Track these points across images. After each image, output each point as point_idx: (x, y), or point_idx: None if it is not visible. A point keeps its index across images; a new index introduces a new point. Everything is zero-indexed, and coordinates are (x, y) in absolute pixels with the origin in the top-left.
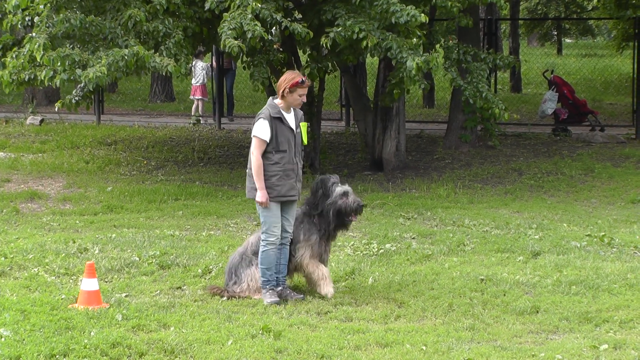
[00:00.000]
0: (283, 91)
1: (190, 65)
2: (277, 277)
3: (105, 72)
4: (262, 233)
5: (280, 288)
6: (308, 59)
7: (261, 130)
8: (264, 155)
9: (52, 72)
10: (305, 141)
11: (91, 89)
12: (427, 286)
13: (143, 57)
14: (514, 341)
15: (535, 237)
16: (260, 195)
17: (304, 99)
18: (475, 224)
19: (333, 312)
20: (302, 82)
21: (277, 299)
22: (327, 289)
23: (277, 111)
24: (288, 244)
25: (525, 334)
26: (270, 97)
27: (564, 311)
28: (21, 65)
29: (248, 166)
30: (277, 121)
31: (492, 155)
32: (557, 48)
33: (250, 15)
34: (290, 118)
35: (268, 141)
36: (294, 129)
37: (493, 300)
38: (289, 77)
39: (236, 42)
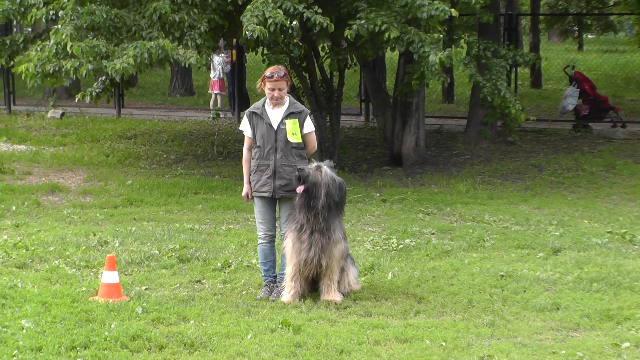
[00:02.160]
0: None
1: (210, 58)
2: (274, 275)
3: (132, 63)
4: None
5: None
6: (327, 52)
7: (243, 125)
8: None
9: (77, 63)
10: (295, 139)
11: (118, 80)
12: (446, 282)
13: (167, 50)
14: (534, 338)
15: (556, 233)
16: (243, 189)
17: (277, 94)
18: (495, 220)
19: (352, 307)
20: (270, 75)
21: (266, 295)
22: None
23: (260, 106)
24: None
25: (545, 330)
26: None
27: (585, 308)
28: (46, 57)
29: None
30: (255, 116)
31: (512, 151)
32: (578, 44)
33: (272, 4)
34: (273, 114)
35: (251, 136)
36: (273, 125)
37: (513, 297)
38: (265, 71)
39: (258, 27)
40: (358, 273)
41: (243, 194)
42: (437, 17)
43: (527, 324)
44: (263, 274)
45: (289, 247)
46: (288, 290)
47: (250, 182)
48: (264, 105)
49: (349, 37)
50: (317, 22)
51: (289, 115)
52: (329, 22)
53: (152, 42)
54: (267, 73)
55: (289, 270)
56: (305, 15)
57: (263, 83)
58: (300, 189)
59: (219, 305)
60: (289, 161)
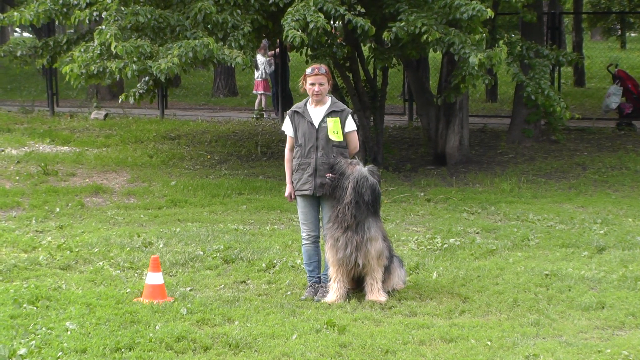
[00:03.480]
0: (302, 84)
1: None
2: (319, 275)
3: (177, 62)
4: None
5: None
6: (371, 53)
7: (285, 125)
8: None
9: (122, 64)
10: (336, 137)
11: (162, 80)
12: (491, 281)
13: (212, 49)
14: (579, 337)
15: (600, 232)
16: (285, 189)
17: (317, 88)
18: (540, 219)
19: (397, 307)
20: (311, 71)
21: (310, 296)
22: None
23: (302, 105)
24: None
25: (591, 329)
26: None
27: (630, 307)
28: (90, 58)
29: None
30: (297, 115)
31: (556, 149)
32: (621, 42)
33: (313, 8)
34: (314, 112)
35: (293, 135)
36: (315, 124)
37: (558, 296)
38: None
39: (299, 33)
40: (406, 275)
41: (286, 194)
42: (476, 17)
43: (572, 323)
44: (307, 275)
45: (327, 247)
46: (332, 290)
47: (292, 182)
48: (305, 105)
49: (386, 40)
50: (359, 25)
51: (330, 113)
52: (369, 25)
53: (197, 41)
54: (308, 70)
55: (332, 271)
56: (346, 17)
57: (305, 81)
58: (328, 175)
59: (263, 305)
60: (330, 159)
